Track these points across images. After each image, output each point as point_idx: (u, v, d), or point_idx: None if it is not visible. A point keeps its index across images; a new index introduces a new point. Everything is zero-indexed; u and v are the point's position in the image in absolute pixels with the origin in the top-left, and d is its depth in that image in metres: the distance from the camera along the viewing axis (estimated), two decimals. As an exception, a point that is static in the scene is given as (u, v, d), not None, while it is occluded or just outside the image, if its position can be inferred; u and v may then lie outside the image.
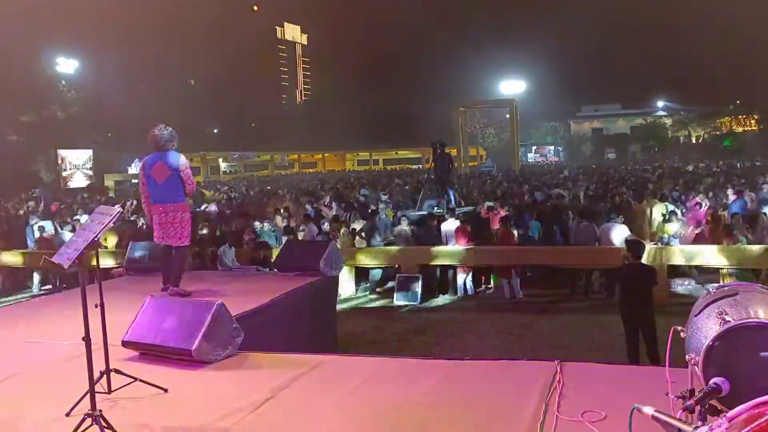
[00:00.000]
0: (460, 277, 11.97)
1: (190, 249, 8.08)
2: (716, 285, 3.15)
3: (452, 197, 15.85)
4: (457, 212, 13.94)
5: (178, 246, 6.97)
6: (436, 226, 12.97)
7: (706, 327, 2.81)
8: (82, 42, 54.01)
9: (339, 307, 8.74)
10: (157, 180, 6.87)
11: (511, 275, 11.57)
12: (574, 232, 12.21)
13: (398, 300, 11.62)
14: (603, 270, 11.12)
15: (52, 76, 44.88)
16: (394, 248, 12.48)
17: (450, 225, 12.58)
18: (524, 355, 7.02)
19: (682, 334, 3.00)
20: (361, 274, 12.70)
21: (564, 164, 55.10)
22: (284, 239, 12.26)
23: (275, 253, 10.35)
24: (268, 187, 32.32)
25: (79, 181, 42.51)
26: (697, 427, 2.13)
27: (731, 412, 2.03)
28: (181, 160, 6.90)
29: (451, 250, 11.89)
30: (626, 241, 7.75)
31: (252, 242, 11.82)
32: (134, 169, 41.61)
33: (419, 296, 11.56)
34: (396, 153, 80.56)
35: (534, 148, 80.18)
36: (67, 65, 48.69)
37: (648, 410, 2.27)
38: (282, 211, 15.96)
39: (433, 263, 11.93)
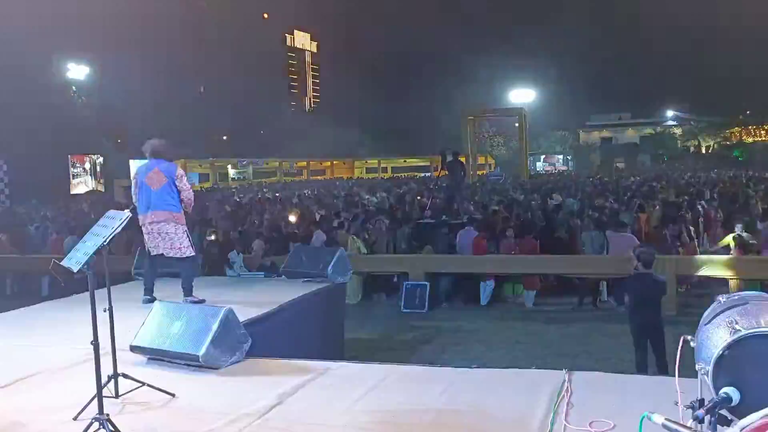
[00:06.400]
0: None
1: (198, 254, 8.02)
2: (726, 294, 3.13)
3: (464, 205, 15.82)
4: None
5: (182, 257, 6.83)
6: (447, 234, 12.92)
7: (716, 336, 2.80)
8: (93, 48, 54.24)
9: (346, 314, 8.71)
10: (151, 187, 6.76)
11: (538, 285, 11.50)
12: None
13: (406, 308, 11.59)
14: (613, 279, 11.07)
15: (62, 82, 45.13)
16: (403, 256, 12.44)
17: (463, 233, 12.55)
18: (532, 364, 6.97)
19: (691, 343, 2.99)
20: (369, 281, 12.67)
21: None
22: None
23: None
24: (278, 194, 32.15)
25: (86, 187, 42.91)
26: (708, 436, 2.12)
27: (742, 421, 2.02)
28: (178, 171, 6.85)
29: (464, 258, 11.86)
30: (635, 250, 7.67)
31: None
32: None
33: (427, 304, 11.51)
34: (405, 161, 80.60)
35: (543, 157, 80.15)
36: (77, 71, 48.96)
37: (658, 419, 2.25)
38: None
39: (443, 271, 11.90)
